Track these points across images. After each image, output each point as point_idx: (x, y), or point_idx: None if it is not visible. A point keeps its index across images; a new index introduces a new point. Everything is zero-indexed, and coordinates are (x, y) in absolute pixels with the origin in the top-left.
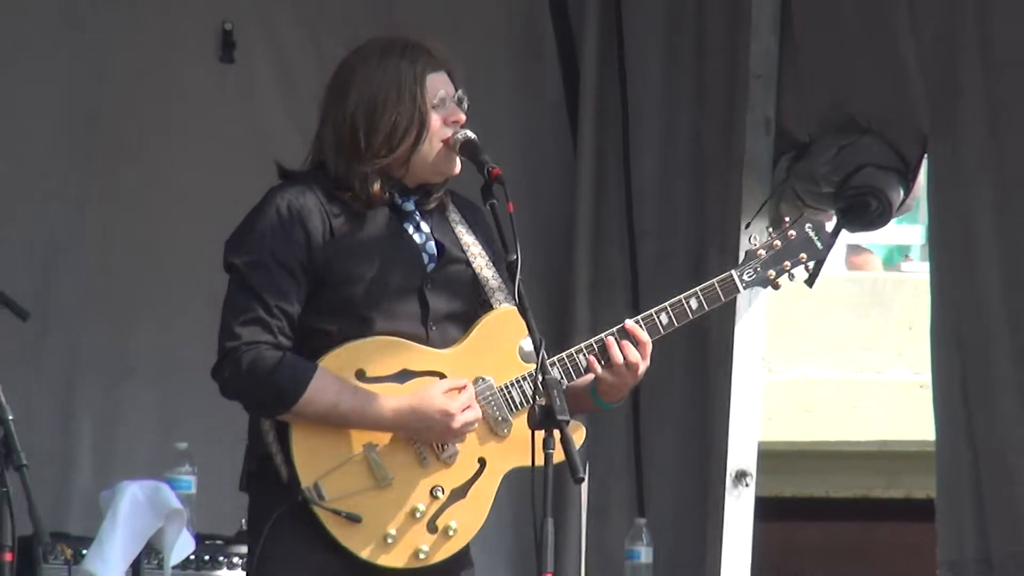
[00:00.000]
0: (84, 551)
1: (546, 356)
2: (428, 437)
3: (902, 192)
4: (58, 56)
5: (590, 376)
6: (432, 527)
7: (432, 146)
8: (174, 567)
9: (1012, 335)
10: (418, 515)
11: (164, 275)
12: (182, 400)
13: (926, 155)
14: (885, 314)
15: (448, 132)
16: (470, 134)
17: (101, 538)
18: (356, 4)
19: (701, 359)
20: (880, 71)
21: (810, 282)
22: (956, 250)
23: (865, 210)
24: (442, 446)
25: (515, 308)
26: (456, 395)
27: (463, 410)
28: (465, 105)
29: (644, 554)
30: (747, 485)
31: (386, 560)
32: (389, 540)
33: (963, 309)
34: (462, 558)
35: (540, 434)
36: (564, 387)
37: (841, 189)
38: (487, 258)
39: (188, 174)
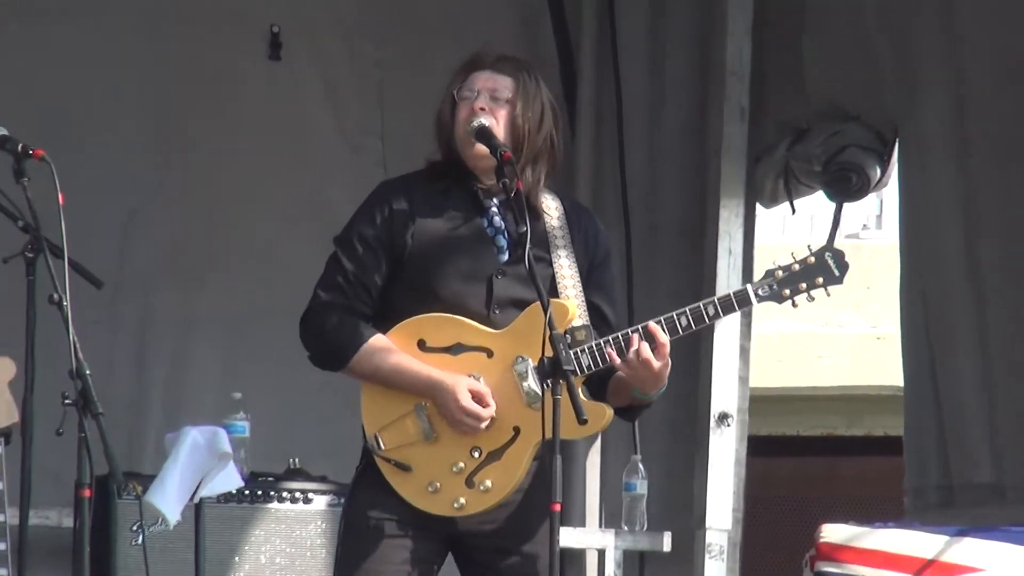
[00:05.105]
0: None
1: (555, 318)
2: (442, 412)
3: (879, 170)
4: (137, 61)
5: None
6: (470, 482)
7: (459, 132)
8: (231, 499)
9: (968, 290)
10: (457, 470)
11: (224, 245)
12: (240, 355)
13: (897, 138)
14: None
15: (470, 120)
16: (483, 121)
17: (163, 475)
18: (384, 11)
19: None
20: (857, 67)
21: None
22: (921, 219)
23: (846, 184)
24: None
25: (564, 302)
26: (476, 398)
27: (468, 414)
28: (503, 95)
29: (640, 486)
30: (728, 425)
31: (428, 506)
32: (431, 489)
33: (927, 269)
34: (545, 497)
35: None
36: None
37: (827, 166)
38: (571, 257)
39: (244, 158)
